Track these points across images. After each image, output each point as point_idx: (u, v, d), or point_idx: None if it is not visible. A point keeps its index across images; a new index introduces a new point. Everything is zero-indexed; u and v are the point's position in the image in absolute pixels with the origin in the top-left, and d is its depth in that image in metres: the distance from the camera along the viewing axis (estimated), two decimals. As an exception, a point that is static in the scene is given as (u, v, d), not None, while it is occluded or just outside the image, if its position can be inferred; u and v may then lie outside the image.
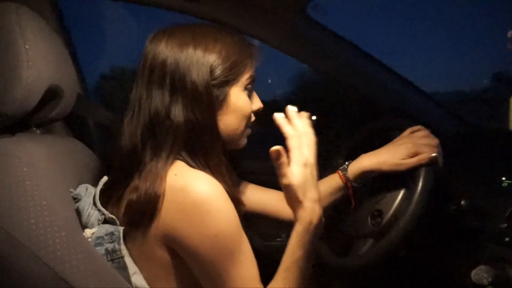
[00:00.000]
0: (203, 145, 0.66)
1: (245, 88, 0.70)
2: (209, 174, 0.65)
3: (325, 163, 0.97)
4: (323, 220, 0.66)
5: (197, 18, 0.96)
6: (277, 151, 0.62)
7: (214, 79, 0.66)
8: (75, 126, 0.99)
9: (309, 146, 0.65)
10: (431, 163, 0.79)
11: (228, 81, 0.67)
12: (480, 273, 0.74)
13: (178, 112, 0.64)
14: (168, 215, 0.61)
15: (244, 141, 0.75)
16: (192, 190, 0.60)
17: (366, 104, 1.22)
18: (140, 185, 0.62)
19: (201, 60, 0.65)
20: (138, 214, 0.62)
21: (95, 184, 0.73)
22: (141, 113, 0.66)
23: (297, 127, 0.65)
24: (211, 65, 0.66)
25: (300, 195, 0.63)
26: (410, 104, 1.12)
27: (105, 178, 0.72)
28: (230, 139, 0.71)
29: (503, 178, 0.87)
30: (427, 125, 0.87)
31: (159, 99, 0.65)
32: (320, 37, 1.03)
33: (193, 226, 0.60)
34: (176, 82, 0.65)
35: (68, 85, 0.76)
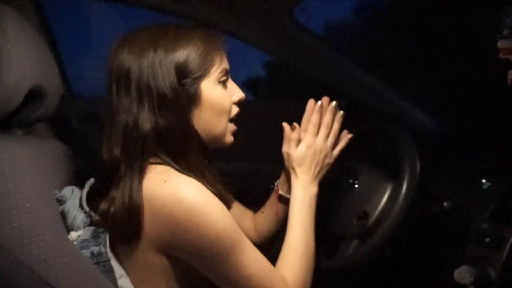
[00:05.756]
0: (179, 148, 0.65)
1: (219, 82, 0.69)
2: (193, 177, 0.64)
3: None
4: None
5: (184, 19, 0.95)
6: (293, 126, 0.82)
7: (182, 78, 0.65)
8: (59, 127, 0.97)
9: (324, 139, 0.80)
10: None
11: (197, 77, 0.66)
12: (462, 273, 0.76)
13: (145, 120, 0.63)
14: (160, 224, 0.60)
15: (229, 138, 0.74)
16: (182, 198, 0.59)
17: (352, 107, 1.23)
18: (117, 196, 0.61)
19: (164, 61, 0.64)
20: (120, 227, 0.61)
21: (79, 186, 0.71)
22: (115, 126, 0.64)
23: (324, 119, 0.80)
24: (176, 64, 0.65)
25: (295, 165, 0.79)
26: (395, 108, 1.14)
27: (91, 180, 0.71)
28: (213, 137, 0.70)
29: (484, 180, 0.89)
30: (410, 128, 0.88)
31: (127, 109, 0.64)
32: (307, 40, 1.03)
33: (191, 232, 0.60)
34: (142, 89, 0.64)
35: (51, 85, 0.75)
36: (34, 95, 0.70)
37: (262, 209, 0.93)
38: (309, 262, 0.73)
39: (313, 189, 0.79)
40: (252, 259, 0.65)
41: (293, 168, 0.80)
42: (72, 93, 1.09)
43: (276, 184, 0.90)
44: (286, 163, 0.82)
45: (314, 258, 0.75)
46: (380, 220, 0.82)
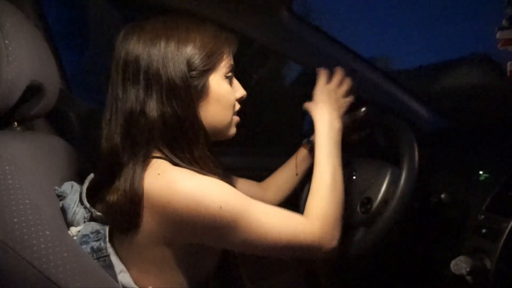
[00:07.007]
0: (185, 138, 0.65)
1: (225, 77, 0.70)
2: (197, 168, 0.64)
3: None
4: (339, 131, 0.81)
5: (181, 14, 0.95)
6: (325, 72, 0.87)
7: (192, 70, 0.65)
8: (58, 122, 0.98)
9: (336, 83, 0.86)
10: None
11: (206, 70, 0.67)
12: (459, 264, 0.76)
13: (152, 108, 0.63)
14: (160, 216, 0.61)
15: (233, 130, 0.75)
16: (177, 187, 0.60)
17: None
18: (120, 186, 0.61)
19: (176, 52, 0.64)
20: (121, 216, 0.61)
21: (79, 182, 0.72)
22: (118, 113, 0.65)
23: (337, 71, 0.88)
24: (187, 56, 0.65)
25: (314, 104, 0.83)
26: (393, 101, 1.14)
27: (91, 176, 0.72)
28: (217, 130, 0.71)
29: (481, 172, 0.89)
30: (409, 121, 0.88)
31: (134, 96, 0.64)
32: (305, 34, 1.03)
33: (194, 216, 0.60)
34: (151, 77, 0.64)
35: (50, 81, 0.75)
36: (33, 91, 0.70)
37: (282, 170, 1.00)
38: (337, 195, 0.74)
39: (336, 124, 0.80)
40: (265, 216, 0.65)
41: (314, 109, 0.83)
42: (71, 88, 1.09)
43: (305, 141, 0.99)
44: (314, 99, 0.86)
45: (343, 192, 0.75)
46: (384, 203, 0.82)
